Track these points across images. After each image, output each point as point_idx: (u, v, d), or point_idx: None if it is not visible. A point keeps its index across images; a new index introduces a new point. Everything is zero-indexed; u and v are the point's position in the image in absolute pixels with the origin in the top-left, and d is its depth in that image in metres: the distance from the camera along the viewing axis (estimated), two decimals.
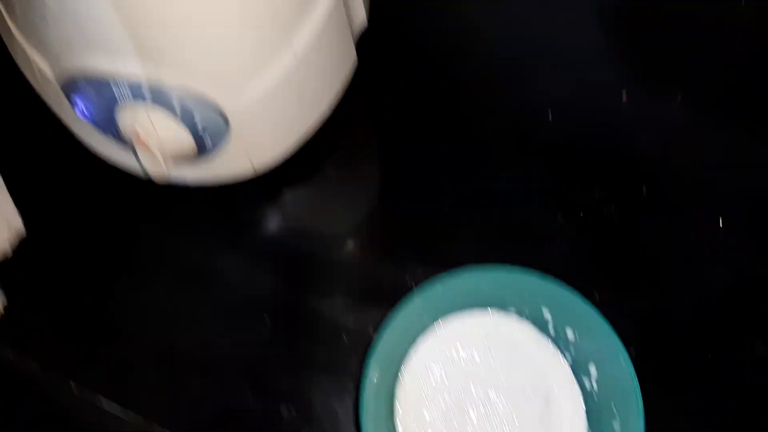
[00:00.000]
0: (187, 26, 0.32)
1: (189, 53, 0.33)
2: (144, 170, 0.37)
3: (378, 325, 0.39)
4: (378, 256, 0.42)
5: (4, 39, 0.39)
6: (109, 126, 0.37)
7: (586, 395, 0.36)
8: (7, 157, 0.43)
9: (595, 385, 0.36)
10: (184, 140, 0.37)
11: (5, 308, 0.41)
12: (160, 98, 0.34)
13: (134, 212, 0.44)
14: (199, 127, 0.36)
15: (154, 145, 0.35)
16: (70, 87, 0.37)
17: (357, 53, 0.42)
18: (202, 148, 0.38)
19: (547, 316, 0.37)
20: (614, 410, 0.34)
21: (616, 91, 0.45)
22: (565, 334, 0.37)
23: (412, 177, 0.44)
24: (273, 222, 0.44)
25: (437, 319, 0.38)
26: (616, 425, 0.34)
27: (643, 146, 0.43)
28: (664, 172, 0.43)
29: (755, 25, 0.46)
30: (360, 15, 0.43)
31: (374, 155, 0.45)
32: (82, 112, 0.38)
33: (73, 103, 0.38)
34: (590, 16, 0.47)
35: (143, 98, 0.35)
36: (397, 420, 0.36)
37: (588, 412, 0.36)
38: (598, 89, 0.45)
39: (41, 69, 0.38)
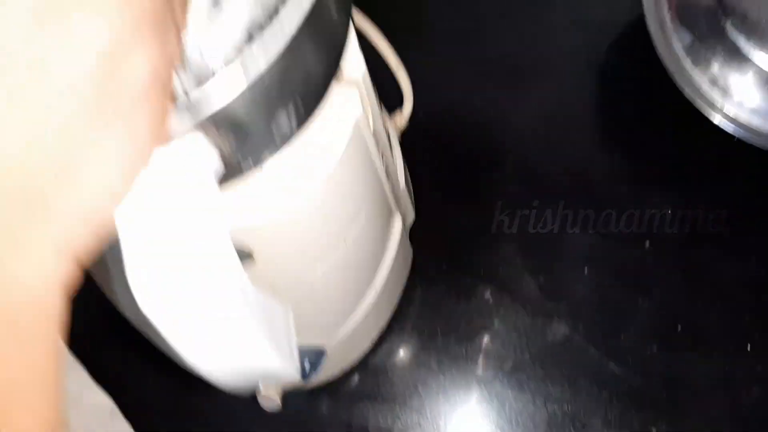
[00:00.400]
0: (306, 305, 0.38)
1: (304, 322, 0.39)
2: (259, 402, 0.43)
3: None
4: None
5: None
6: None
7: None
8: (120, 391, 0.48)
9: None
10: (296, 380, 0.42)
11: None
12: None
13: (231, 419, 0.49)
14: (307, 367, 0.42)
15: (274, 393, 0.41)
16: None
17: None
18: (306, 378, 0.43)
19: None
20: None
21: (641, 241, 0.51)
22: None
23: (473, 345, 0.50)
24: (352, 401, 0.49)
25: None
26: None
27: (673, 287, 0.50)
28: (693, 308, 0.49)
29: (746, 168, 0.52)
30: (410, 215, 0.49)
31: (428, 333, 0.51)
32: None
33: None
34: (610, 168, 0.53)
35: None
36: None
37: None
38: (623, 238, 0.51)
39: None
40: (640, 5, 0.50)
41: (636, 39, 0.53)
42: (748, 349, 0.49)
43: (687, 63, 0.47)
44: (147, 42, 0.16)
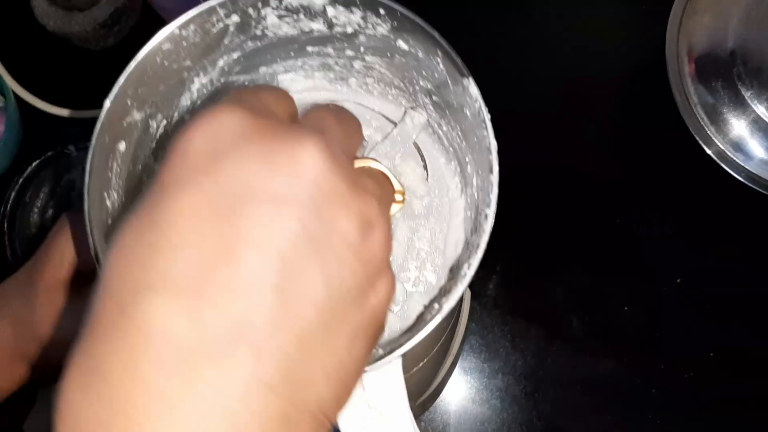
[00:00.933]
0: None
1: None
2: None
3: None
4: None
5: None
6: None
7: None
8: None
9: None
10: None
11: None
12: None
13: None
14: None
15: None
16: None
17: None
18: None
19: None
20: None
21: (672, 278, 0.57)
22: None
23: None
24: None
25: None
26: None
27: (704, 319, 0.56)
28: (723, 337, 0.56)
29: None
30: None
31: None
32: None
33: None
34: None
35: None
36: None
37: None
38: (655, 278, 0.57)
39: None
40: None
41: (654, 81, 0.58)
42: None
43: (709, 127, 0.52)
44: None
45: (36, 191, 0.59)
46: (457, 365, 0.57)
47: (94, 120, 0.60)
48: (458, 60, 0.27)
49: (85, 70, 0.61)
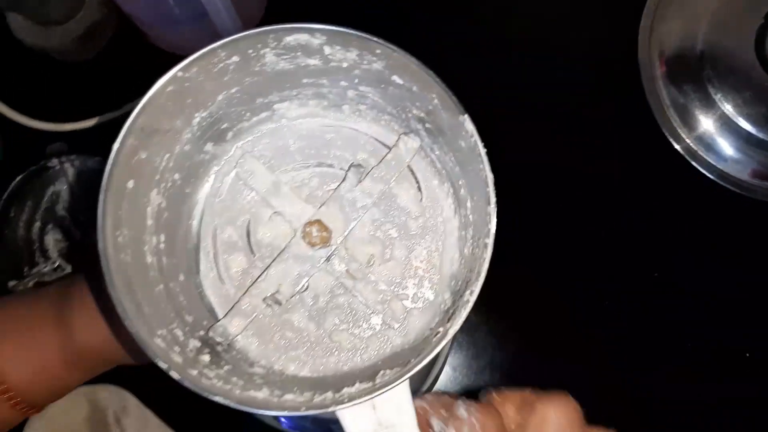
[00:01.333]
0: None
1: None
2: None
3: None
4: None
5: None
6: None
7: None
8: None
9: None
10: None
11: None
12: None
13: None
14: None
15: None
16: None
17: None
18: None
19: None
20: None
21: (650, 272, 0.59)
22: None
23: None
24: None
25: None
26: None
27: (680, 313, 0.59)
28: (697, 332, 0.58)
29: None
30: None
31: None
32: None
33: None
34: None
35: None
36: None
37: None
38: (633, 271, 0.59)
39: None
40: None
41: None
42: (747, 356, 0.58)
43: (681, 128, 0.54)
44: None
45: (20, 206, 0.59)
46: (447, 363, 0.58)
47: (76, 133, 0.60)
48: (454, 99, 0.28)
49: (64, 84, 0.61)
